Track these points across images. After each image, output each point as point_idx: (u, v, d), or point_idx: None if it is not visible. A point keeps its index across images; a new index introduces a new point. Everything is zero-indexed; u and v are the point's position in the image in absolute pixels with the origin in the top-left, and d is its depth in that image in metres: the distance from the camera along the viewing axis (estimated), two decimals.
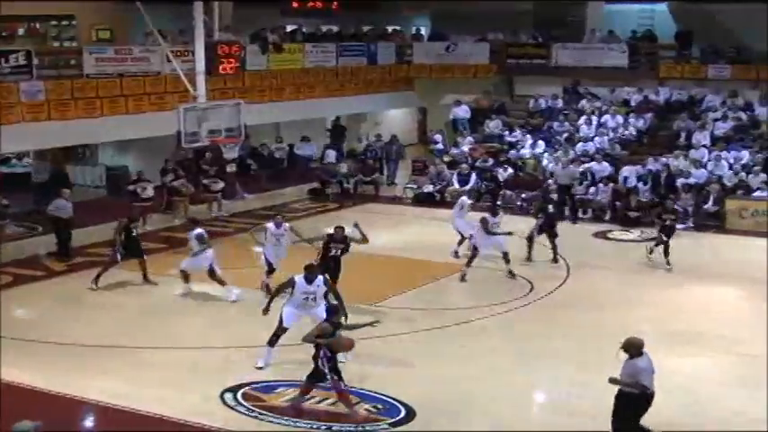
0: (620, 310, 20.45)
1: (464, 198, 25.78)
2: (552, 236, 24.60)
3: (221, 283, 21.24)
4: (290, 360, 17.25)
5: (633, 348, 13.34)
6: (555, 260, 24.38)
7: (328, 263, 19.52)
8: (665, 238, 23.87)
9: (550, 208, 25.45)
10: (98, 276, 21.93)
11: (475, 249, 22.91)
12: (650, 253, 24.24)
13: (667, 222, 24.15)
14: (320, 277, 17.00)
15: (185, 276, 21.55)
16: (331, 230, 20.23)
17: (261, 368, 16.76)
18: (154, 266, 23.05)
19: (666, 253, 23.78)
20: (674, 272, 23.46)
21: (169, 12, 32.03)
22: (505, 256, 22.91)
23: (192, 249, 21.49)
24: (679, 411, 14.96)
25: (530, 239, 24.64)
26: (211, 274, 21.28)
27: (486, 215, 23.03)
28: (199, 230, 21.63)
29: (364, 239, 20.09)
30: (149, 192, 28.08)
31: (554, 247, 24.54)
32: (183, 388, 15.91)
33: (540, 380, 16.64)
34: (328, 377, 14.46)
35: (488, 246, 22.89)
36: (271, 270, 21.06)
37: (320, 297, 16.87)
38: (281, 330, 16.82)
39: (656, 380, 14.37)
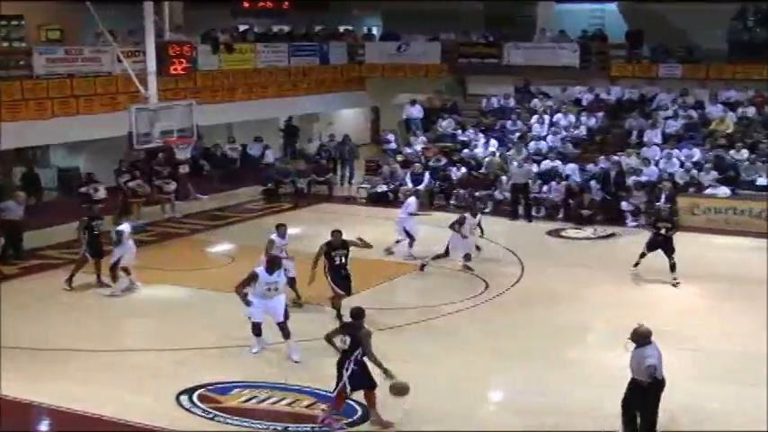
0: (575, 307, 20.57)
1: (412, 199, 25.71)
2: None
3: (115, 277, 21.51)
4: (246, 361, 17.25)
5: (640, 338, 13.59)
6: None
7: (337, 272, 19.21)
8: (666, 254, 22.40)
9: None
10: (71, 277, 21.80)
11: (447, 251, 22.85)
12: (635, 266, 23.00)
13: (662, 231, 22.59)
14: (283, 270, 17.68)
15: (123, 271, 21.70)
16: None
17: (256, 352, 17.53)
18: (107, 268, 22.90)
19: (672, 268, 22.36)
20: (626, 269, 23.53)
21: (119, 12, 31.80)
22: (467, 256, 23.00)
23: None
24: None
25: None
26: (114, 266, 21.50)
27: (466, 215, 22.97)
28: (123, 227, 21.80)
29: (367, 245, 20.00)
30: (102, 193, 27.85)
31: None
32: (138, 390, 15.79)
33: (496, 378, 16.67)
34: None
35: (463, 248, 22.84)
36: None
37: (282, 287, 17.52)
38: (257, 326, 17.49)
39: (610, 377, 14.53)
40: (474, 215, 23.07)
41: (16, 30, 35.87)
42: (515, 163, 30.66)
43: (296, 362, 17.27)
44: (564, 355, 17.64)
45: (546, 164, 31.44)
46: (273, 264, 17.40)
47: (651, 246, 22.57)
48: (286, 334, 17.49)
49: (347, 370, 14.23)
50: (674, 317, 19.74)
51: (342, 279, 19.22)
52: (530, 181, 30.05)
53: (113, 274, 21.55)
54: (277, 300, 17.40)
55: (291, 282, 19.67)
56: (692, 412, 14.71)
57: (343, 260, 19.30)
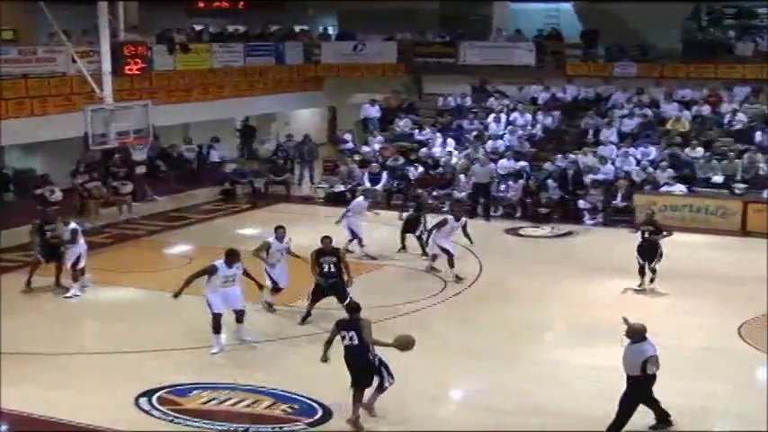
0: (533, 305, 20.63)
1: (360, 199, 25.60)
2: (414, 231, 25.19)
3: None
4: (206, 362, 17.18)
5: (635, 334, 13.93)
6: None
7: (325, 281, 19.01)
8: (641, 261, 21.64)
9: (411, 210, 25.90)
10: (28, 281, 21.67)
11: (447, 252, 22.52)
12: (640, 286, 21.78)
13: (646, 236, 21.64)
14: (240, 262, 17.91)
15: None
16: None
17: (215, 353, 17.56)
18: (65, 270, 22.72)
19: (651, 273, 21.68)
20: (584, 267, 23.68)
21: (73, 12, 31.56)
22: (434, 257, 22.82)
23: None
24: (590, 403, 15.12)
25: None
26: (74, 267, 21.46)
27: (449, 217, 22.81)
28: (74, 225, 21.72)
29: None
30: (57, 195, 27.61)
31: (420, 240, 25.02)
32: (98, 393, 15.67)
33: (455, 377, 16.68)
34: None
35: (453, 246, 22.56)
36: (277, 289, 20.11)
37: (238, 279, 17.83)
38: (216, 318, 17.62)
39: (567, 375, 14.60)
40: (457, 219, 22.73)
41: None
42: (478, 162, 30.67)
43: (245, 340, 18.14)
44: (522, 353, 17.67)
45: (509, 164, 31.33)
46: (233, 257, 17.72)
47: (640, 252, 21.75)
48: (240, 319, 18.11)
49: (376, 362, 14.58)
50: (631, 314, 19.74)
51: (336, 293, 18.98)
52: (493, 180, 30.12)
53: (74, 275, 21.43)
54: (234, 290, 17.82)
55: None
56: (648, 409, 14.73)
57: (332, 268, 19.04)
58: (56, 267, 21.87)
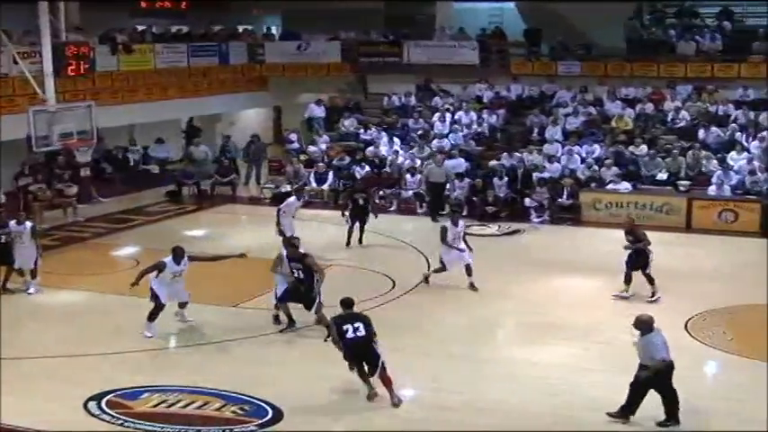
0: (481, 304, 20.68)
1: (291, 199, 25.43)
2: (363, 223, 25.76)
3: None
4: (154, 365, 17.09)
5: (644, 325, 14.19)
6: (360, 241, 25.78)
7: (297, 288, 18.70)
8: (630, 270, 21.09)
9: (360, 200, 25.98)
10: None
11: (443, 265, 21.85)
12: (624, 293, 21.11)
13: (632, 246, 21.04)
14: (186, 257, 18.65)
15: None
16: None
17: (150, 337, 18.29)
18: (7, 274, 22.49)
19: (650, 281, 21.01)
20: (532, 264, 23.78)
21: (14, 11, 31.16)
22: (468, 269, 21.81)
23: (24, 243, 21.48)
24: (538, 400, 15.25)
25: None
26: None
27: (447, 224, 22.21)
28: (31, 223, 21.97)
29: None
30: (1, 198, 27.23)
31: (362, 232, 25.83)
32: (46, 398, 15.53)
33: (402, 375, 16.65)
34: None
35: (455, 260, 21.81)
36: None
37: (185, 274, 18.67)
38: (160, 308, 18.46)
39: (516, 371, 14.65)
40: (455, 224, 22.06)
41: None
42: (433, 162, 30.66)
43: (188, 321, 19.06)
44: (470, 351, 17.71)
45: (457, 162, 31.32)
46: (179, 254, 18.57)
47: (628, 262, 21.23)
48: (183, 306, 19.05)
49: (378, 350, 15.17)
50: (578, 311, 19.97)
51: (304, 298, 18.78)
52: (449, 180, 30.18)
53: (34, 272, 21.62)
54: (180, 284, 18.74)
55: None
56: (601, 405, 14.82)
57: (300, 274, 18.73)
58: (6, 270, 21.66)
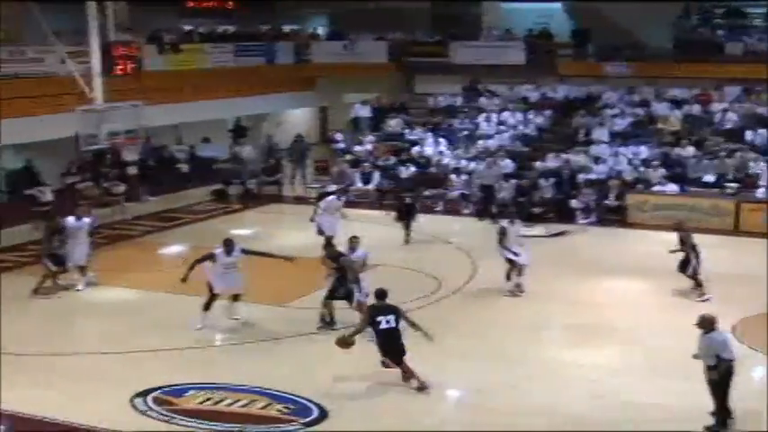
0: (527, 305, 20.62)
1: (332, 198, 25.48)
2: (409, 222, 26.49)
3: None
4: (200, 363, 17.15)
5: (707, 324, 14.16)
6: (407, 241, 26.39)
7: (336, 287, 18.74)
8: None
9: (408, 199, 26.63)
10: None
11: (512, 263, 21.50)
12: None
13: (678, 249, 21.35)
14: (238, 248, 18.95)
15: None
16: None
17: (200, 329, 18.60)
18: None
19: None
20: (578, 266, 23.68)
21: (64, 11, 31.41)
22: (520, 270, 21.53)
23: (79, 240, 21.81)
24: (583, 402, 15.18)
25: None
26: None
27: (505, 224, 21.93)
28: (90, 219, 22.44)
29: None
30: (48, 196, 27.46)
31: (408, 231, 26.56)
32: (93, 394, 15.66)
33: (448, 377, 16.66)
34: None
35: (524, 258, 21.61)
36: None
37: (238, 267, 18.88)
38: (213, 297, 18.76)
39: (561, 373, 14.57)
40: (512, 223, 21.88)
41: None
42: (484, 163, 30.55)
43: (236, 319, 19.13)
44: (516, 353, 17.66)
45: (505, 164, 31.24)
46: (229, 245, 18.85)
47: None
48: (236, 299, 19.25)
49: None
50: (624, 313, 19.85)
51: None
52: (499, 181, 30.00)
53: (83, 270, 21.82)
54: (235, 275, 18.92)
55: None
56: (645, 408, 14.74)
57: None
58: (58, 271, 21.88)
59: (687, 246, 20.91)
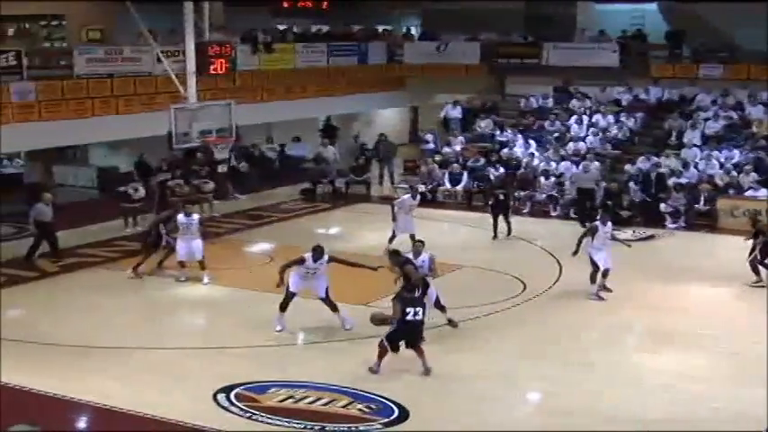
0: (611, 309, 20.50)
1: (407, 197, 25.46)
2: (506, 216, 26.91)
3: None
4: (283, 360, 17.32)
5: None
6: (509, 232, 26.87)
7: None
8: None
9: (500, 195, 26.85)
10: (160, 263, 23.03)
11: (595, 265, 21.45)
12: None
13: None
14: (325, 257, 18.80)
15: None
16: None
17: (280, 331, 18.67)
18: (146, 266, 23.12)
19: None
20: (664, 271, 23.45)
21: (159, 11, 31.89)
22: (605, 272, 21.47)
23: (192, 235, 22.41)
24: (667, 409, 15.02)
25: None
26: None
27: (597, 224, 21.84)
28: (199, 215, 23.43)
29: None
30: (141, 192, 27.90)
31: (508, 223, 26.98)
32: (176, 389, 15.92)
33: (532, 380, 16.64)
34: None
35: (601, 260, 21.46)
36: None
37: (321, 273, 18.86)
38: (289, 297, 18.72)
39: (639, 377, 14.47)
40: (604, 223, 21.70)
41: (58, 30, 36.20)
42: (581, 167, 30.41)
43: (348, 329, 18.79)
44: (598, 356, 17.57)
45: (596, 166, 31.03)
46: (318, 253, 18.77)
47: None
48: (332, 307, 18.95)
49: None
50: (708, 319, 19.64)
51: None
52: (597, 185, 29.72)
53: (202, 264, 22.58)
54: (314, 281, 18.87)
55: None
56: (723, 416, 14.59)
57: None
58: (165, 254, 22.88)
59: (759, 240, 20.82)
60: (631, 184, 29.67)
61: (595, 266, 21.35)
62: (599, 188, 29.63)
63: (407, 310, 16.25)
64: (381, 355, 16.40)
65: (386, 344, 16.36)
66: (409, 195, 25.56)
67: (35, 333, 18.52)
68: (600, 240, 21.37)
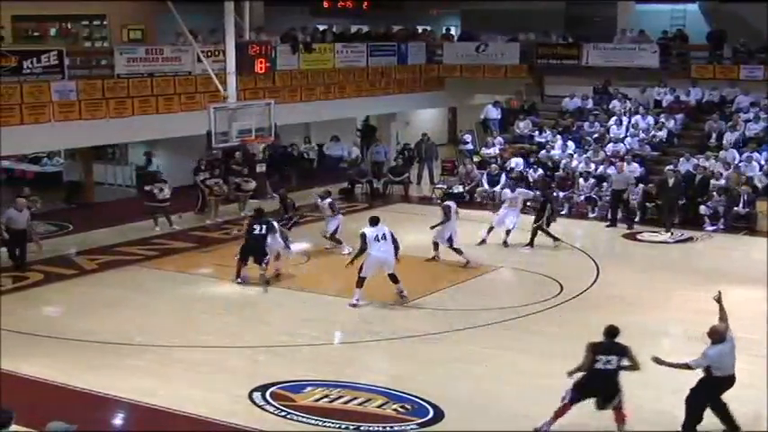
0: (648, 311, 20.40)
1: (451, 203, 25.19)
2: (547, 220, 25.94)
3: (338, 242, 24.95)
4: (318, 360, 17.37)
5: (716, 335, 14.41)
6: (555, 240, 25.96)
7: None
8: None
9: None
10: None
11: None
12: None
13: None
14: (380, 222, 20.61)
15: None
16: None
17: (355, 305, 20.01)
18: (183, 265, 23.27)
19: None
20: (702, 273, 23.33)
21: (200, 11, 32.11)
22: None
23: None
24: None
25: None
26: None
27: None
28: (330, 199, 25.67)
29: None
30: (166, 192, 27.94)
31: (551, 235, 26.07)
32: (211, 387, 15.98)
33: (565, 381, 16.55)
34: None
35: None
36: None
37: (388, 234, 20.36)
38: (362, 281, 20.16)
39: (676, 382, 14.38)
40: (513, 189, 23.37)
41: (99, 30, 36.55)
42: (615, 168, 30.30)
43: (403, 296, 20.34)
44: (638, 359, 17.46)
45: (632, 168, 30.85)
46: (374, 220, 20.56)
47: None
48: (394, 280, 20.36)
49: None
50: (748, 323, 19.45)
51: None
52: (630, 186, 29.37)
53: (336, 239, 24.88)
54: (387, 252, 20.19)
55: None
56: (762, 421, 14.56)
57: None
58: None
59: None
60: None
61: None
62: (634, 189, 29.40)
63: (598, 357, 14.21)
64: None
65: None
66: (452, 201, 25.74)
67: (73, 330, 18.72)
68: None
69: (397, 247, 20.49)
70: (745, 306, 20.72)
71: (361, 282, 20.14)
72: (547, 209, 25.86)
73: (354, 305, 20.03)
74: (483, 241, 25.86)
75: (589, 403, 14.90)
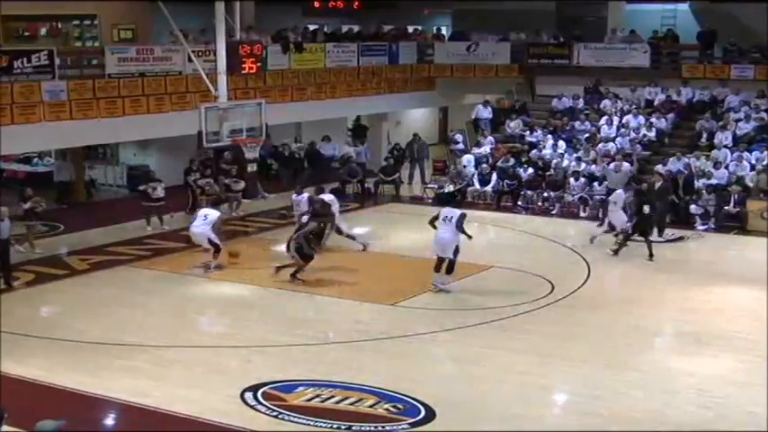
0: (639, 310, 20.40)
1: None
2: (646, 235, 24.95)
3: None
4: (310, 359, 17.37)
5: None
6: (651, 256, 24.59)
7: None
8: None
9: (646, 209, 25.11)
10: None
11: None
12: None
13: None
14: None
15: None
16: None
17: (441, 289, 21.16)
18: (174, 265, 23.25)
19: None
20: (694, 273, 23.38)
21: (191, 11, 32.09)
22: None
23: None
24: (694, 413, 14.94)
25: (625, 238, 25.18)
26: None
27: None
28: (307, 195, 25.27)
29: None
30: (159, 192, 27.92)
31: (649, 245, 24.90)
32: (203, 387, 15.95)
33: (556, 380, 16.63)
34: None
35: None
36: None
37: (455, 215, 21.10)
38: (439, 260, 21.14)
39: (670, 381, 14.38)
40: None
41: (89, 29, 36.44)
42: (612, 167, 30.31)
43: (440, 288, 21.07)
44: (626, 359, 17.51)
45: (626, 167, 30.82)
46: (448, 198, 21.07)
47: None
48: (446, 269, 21.20)
49: None
50: (741, 322, 19.52)
51: None
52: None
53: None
54: (445, 235, 21.01)
55: None
56: (758, 421, 14.54)
57: None
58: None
59: None
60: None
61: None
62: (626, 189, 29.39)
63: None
64: None
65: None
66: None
67: (66, 330, 18.69)
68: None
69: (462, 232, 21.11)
70: (736, 305, 20.85)
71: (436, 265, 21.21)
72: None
73: (441, 289, 21.17)
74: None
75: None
